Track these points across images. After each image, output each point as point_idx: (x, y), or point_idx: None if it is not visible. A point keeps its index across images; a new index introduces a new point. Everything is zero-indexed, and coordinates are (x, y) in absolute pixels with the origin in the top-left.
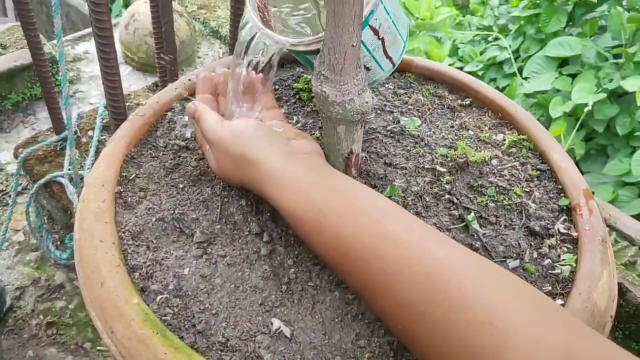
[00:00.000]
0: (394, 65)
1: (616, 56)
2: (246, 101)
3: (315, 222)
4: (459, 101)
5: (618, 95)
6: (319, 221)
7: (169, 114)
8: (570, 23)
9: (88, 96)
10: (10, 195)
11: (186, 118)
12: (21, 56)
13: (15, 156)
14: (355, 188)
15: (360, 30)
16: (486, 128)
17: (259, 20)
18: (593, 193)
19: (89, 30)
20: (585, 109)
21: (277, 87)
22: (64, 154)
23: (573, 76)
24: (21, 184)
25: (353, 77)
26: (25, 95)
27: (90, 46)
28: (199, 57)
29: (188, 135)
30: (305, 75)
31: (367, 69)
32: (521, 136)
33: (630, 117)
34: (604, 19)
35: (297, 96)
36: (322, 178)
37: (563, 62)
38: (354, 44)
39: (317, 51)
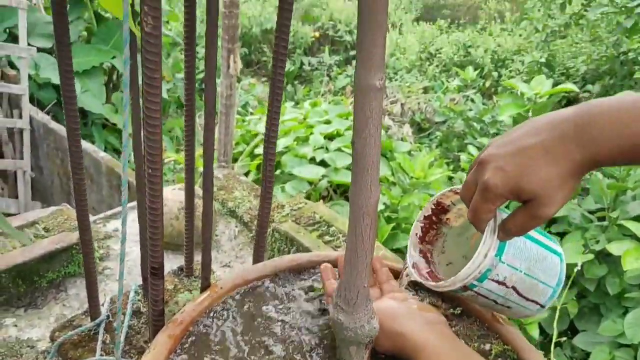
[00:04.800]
0: (542, 305)
1: (600, 218)
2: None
3: None
4: (451, 310)
5: (606, 255)
6: None
7: (205, 319)
8: None
9: (115, 273)
10: None
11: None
12: (62, 239)
13: (52, 339)
14: None
15: (368, 275)
16: (475, 337)
17: (416, 273)
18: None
19: (120, 208)
20: (575, 269)
21: (296, 294)
22: (97, 339)
23: (561, 235)
24: None
25: (364, 308)
26: (60, 273)
27: (119, 224)
28: (216, 236)
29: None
30: (317, 285)
31: (508, 307)
32: (506, 346)
33: (619, 277)
34: (586, 181)
35: (311, 304)
36: (454, 347)
37: (551, 220)
38: (365, 285)
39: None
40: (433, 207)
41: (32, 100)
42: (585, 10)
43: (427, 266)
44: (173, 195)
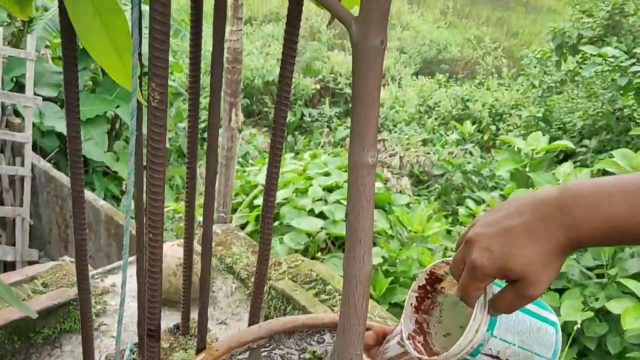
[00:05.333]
0: None
1: (599, 275)
2: None
3: None
4: None
5: (606, 312)
6: None
7: None
8: None
9: (111, 329)
10: None
11: None
12: (59, 295)
13: None
14: None
15: (361, 342)
16: None
17: (411, 346)
18: None
19: (119, 263)
20: (575, 327)
21: (291, 357)
22: None
23: (560, 291)
24: None
25: None
26: (56, 329)
27: (117, 279)
28: (213, 292)
29: None
30: (311, 348)
31: None
32: None
33: (620, 336)
34: None
35: None
36: None
37: None
38: (358, 352)
39: None
40: (427, 277)
41: (34, 147)
42: (580, 68)
43: (423, 337)
44: (172, 251)
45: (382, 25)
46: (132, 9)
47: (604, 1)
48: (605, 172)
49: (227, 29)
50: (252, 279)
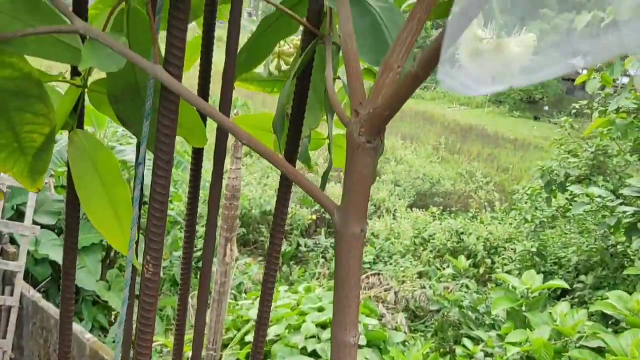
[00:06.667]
0: None
1: None
2: None
3: None
4: None
5: None
6: None
7: None
8: None
9: None
10: None
11: None
12: None
13: None
14: None
15: None
16: None
17: None
18: None
19: None
20: None
21: None
22: None
23: None
24: None
25: None
26: None
27: None
28: None
29: None
30: None
31: None
32: None
33: None
34: None
35: None
36: None
37: None
38: None
39: None
40: None
41: (26, 275)
42: (570, 205)
43: None
44: None
45: (361, 214)
46: (134, 187)
47: (587, 142)
48: (602, 314)
49: (227, 167)
50: None
